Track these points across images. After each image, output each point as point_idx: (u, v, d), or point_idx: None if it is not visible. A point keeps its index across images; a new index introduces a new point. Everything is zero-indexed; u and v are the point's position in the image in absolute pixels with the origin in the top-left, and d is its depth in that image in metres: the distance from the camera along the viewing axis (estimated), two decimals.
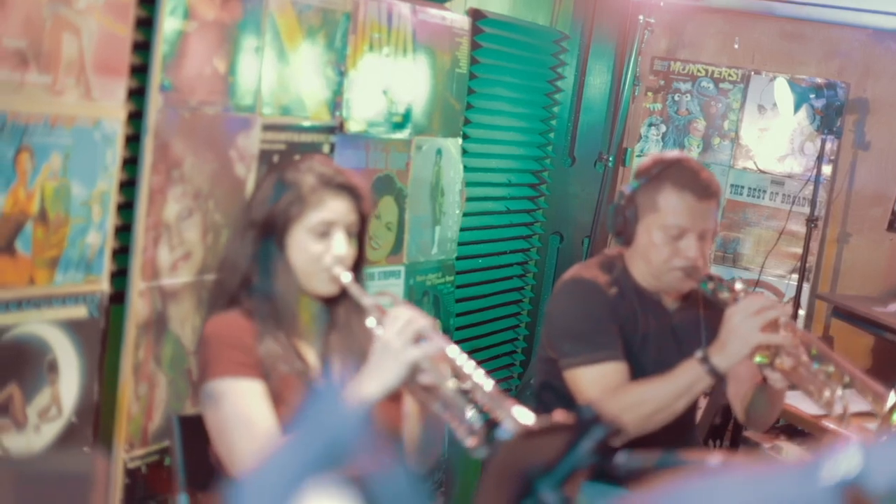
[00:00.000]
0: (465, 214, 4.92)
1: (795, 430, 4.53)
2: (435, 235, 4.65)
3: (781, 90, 5.28)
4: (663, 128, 5.77)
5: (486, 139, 5.18)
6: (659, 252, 3.38)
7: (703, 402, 4.36)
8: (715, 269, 4.14)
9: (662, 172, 3.39)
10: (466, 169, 4.85)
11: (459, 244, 4.90)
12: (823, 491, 1.13)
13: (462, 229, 4.91)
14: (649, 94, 5.83)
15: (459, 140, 4.75)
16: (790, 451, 4.44)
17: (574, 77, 5.76)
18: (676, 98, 5.78)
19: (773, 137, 5.61)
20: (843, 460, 1.14)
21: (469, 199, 4.93)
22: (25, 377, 2.95)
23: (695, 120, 5.75)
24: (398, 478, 0.96)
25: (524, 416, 2.61)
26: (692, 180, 3.37)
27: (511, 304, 5.61)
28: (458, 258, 4.90)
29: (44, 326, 2.98)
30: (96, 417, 3.19)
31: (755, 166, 5.64)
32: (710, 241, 3.45)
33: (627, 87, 5.60)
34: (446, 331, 4.74)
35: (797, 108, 5.27)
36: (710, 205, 3.39)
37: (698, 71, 5.75)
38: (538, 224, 5.73)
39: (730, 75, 5.69)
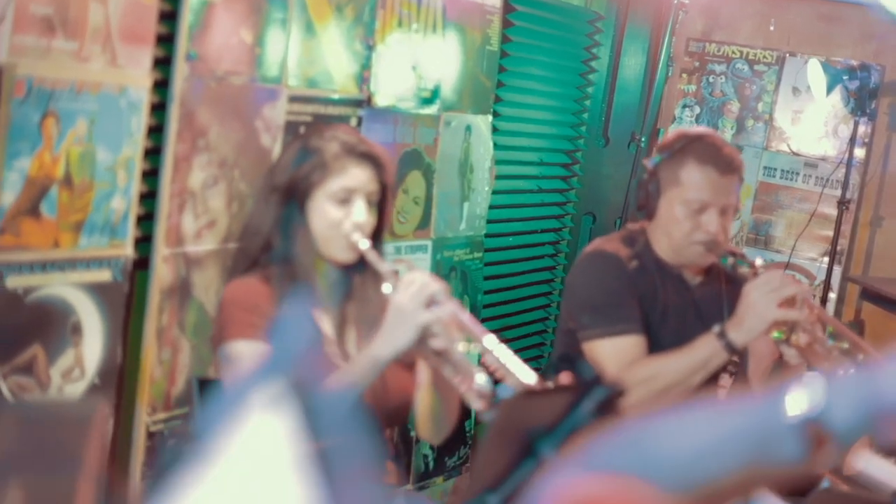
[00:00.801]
0: (495, 192, 4.94)
1: None
2: (463, 211, 4.68)
3: (815, 72, 5.28)
4: (697, 109, 5.77)
5: (518, 117, 5.21)
6: (680, 226, 3.40)
7: (728, 383, 4.37)
8: (747, 252, 4.15)
9: (685, 147, 3.42)
10: (497, 146, 4.88)
11: (489, 221, 4.93)
12: (787, 426, 1.16)
13: (492, 207, 4.94)
14: (684, 75, 5.84)
15: (490, 117, 4.78)
16: None
17: (608, 58, 5.77)
18: (711, 80, 5.78)
19: (807, 120, 5.61)
20: (806, 396, 1.16)
21: (499, 177, 4.96)
22: (49, 338, 3.00)
23: (729, 102, 5.75)
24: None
25: (527, 375, 2.65)
26: (715, 155, 3.39)
27: (542, 283, 5.64)
28: (487, 235, 4.94)
29: (68, 289, 3.03)
30: (119, 380, 3.25)
31: (788, 148, 5.64)
32: (732, 217, 3.46)
33: (662, 69, 5.61)
34: (474, 307, 4.78)
35: (830, 89, 5.26)
36: (732, 180, 3.41)
37: (733, 53, 5.75)
38: (570, 204, 5.75)
39: (764, 57, 5.69)
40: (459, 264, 4.68)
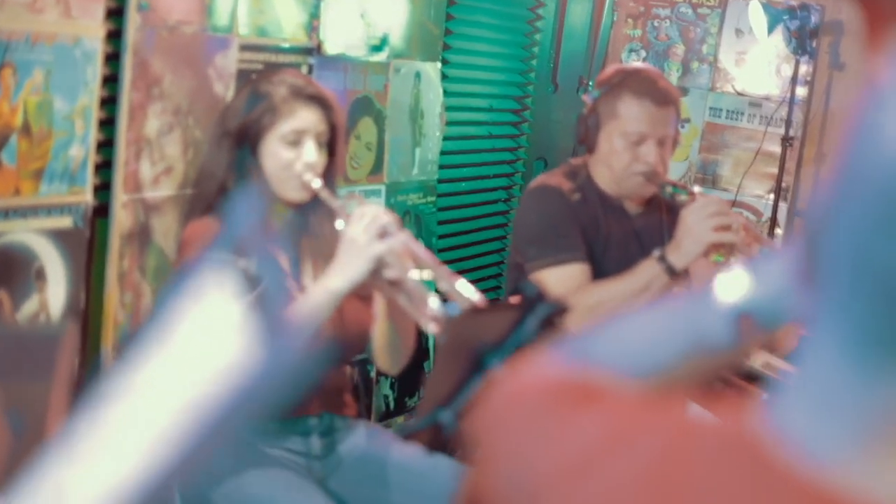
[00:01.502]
0: (446, 138, 5.05)
1: None
2: (415, 156, 4.79)
3: (755, 13, 5.39)
4: (643, 53, 5.88)
5: (467, 64, 5.31)
6: (620, 158, 3.53)
7: None
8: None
9: (623, 81, 3.54)
10: (447, 93, 4.98)
11: (442, 167, 5.04)
12: (718, 316, 1.25)
13: (444, 153, 5.04)
14: (629, 20, 5.94)
15: (439, 64, 4.88)
16: (762, 359, 4.58)
17: (555, 5, 5.87)
18: (656, 24, 5.89)
19: (750, 60, 5.73)
20: (733, 286, 1.25)
21: (450, 123, 5.06)
22: (14, 283, 3.10)
23: (674, 45, 5.87)
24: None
25: (472, 294, 2.77)
26: (651, 88, 3.51)
27: (496, 227, 5.75)
28: (440, 181, 5.04)
29: (30, 235, 3.13)
30: (84, 324, 3.34)
31: (733, 89, 5.76)
32: (671, 148, 3.59)
33: (607, 15, 5.73)
34: (429, 250, 4.88)
35: (770, 29, 5.38)
36: (669, 111, 3.53)
37: None
38: (522, 150, 5.86)
39: (708, 0, 5.80)
40: (413, 208, 4.79)
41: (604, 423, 0.96)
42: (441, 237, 5.12)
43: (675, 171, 5.35)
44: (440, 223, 5.10)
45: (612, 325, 1.34)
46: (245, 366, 1.04)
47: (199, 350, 1.05)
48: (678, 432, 0.91)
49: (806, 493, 0.78)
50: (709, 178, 5.81)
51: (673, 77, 5.80)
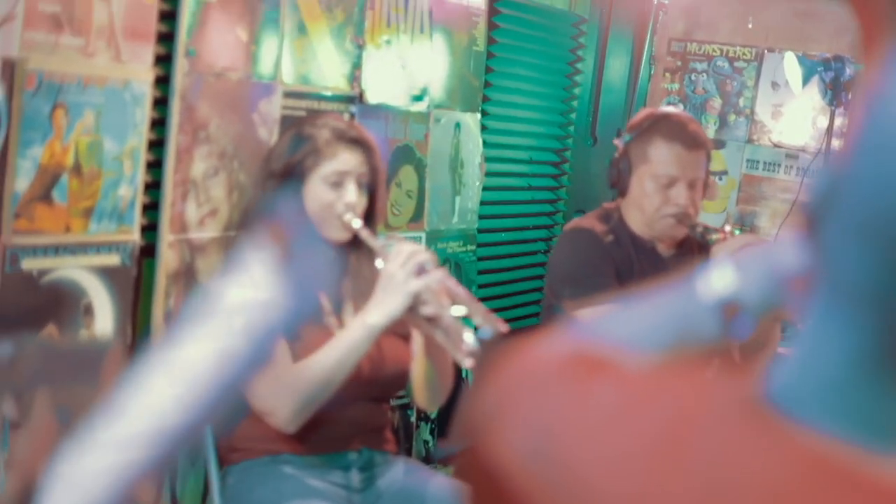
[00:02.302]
0: (486, 188, 5.14)
1: None
2: (455, 205, 4.88)
3: (791, 65, 5.48)
4: (681, 107, 5.97)
5: (507, 116, 5.41)
6: (651, 201, 3.61)
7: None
8: None
9: (653, 125, 3.63)
10: (487, 144, 5.08)
11: (482, 217, 5.12)
12: (705, 308, 1.31)
13: (484, 202, 5.13)
14: (667, 74, 6.04)
15: (478, 115, 4.98)
16: None
17: (593, 59, 5.96)
18: (693, 77, 5.98)
19: (786, 113, 5.81)
20: (717, 278, 1.31)
21: (490, 174, 5.15)
22: (63, 318, 3.19)
23: (711, 98, 5.95)
24: None
25: (503, 324, 2.85)
26: (680, 132, 3.60)
27: (535, 278, 5.81)
28: (481, 231, 5.13)
29: (80, 272, 3.22)
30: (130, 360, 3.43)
31: (770, 141, 5.83)
32: (701, 190, 3.66)
33: (644, 69, 5.82)
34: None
35: (806, 82, 5.46)
36: (699, 155, 3.61)
37: (713, 51, 5.95)
38: (561, 202, 5.94)
39: (744, 54, 5.89)
40: (453, 256, 4.87)
41: (618, 388, 1.01)
42: (481, 286, 5.19)
43: (713, 222, 5.41)
44: (480, 273, 5.17)
45: (605, 318, 1.39)
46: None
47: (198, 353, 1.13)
48: (691, 396, 0.95)
49: (808, 456, 0.80)
50: (746, 229, 5.86)
51: (710, 130, 5.88)
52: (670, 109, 3.85)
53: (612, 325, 1.35)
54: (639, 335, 1.30)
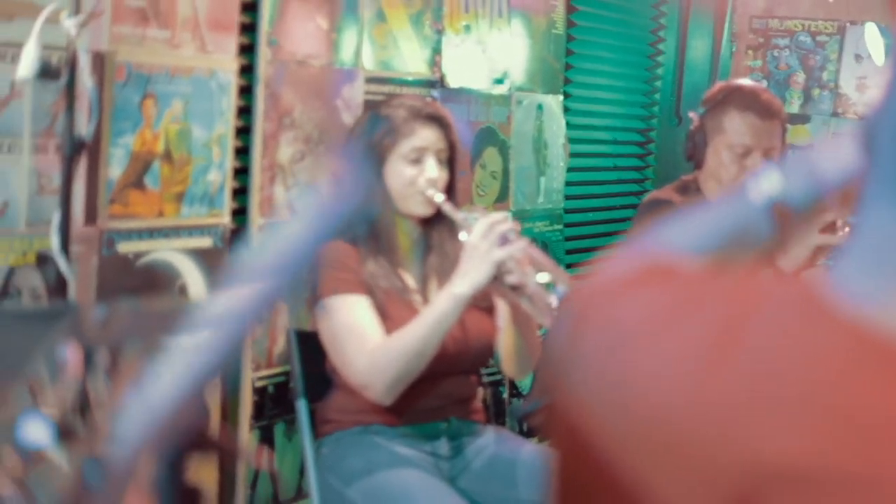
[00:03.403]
0: (573, 169, 5.22)
1: None
2: (540, 185, 4.96)
3: (872, 36, 5.49)
4: (764, 83, 5.99)
5: (589, 98, 5.49)
6: (727, 170, 3.68)
7: None
8: None
9: (727, 97, 3.70)
10: (570, 126, 5.16)
11: (569, 197, 5.21)
12: (756, 209, 1.38)
13: (570, 183, 5.21)
14: (749, 51, 6.07)
15: (560, 97, 5.06)
16: None
17: (675, 39, 6.02)
18: (775, 54, 6.01)
19: (871, 84, 5.81)
20: (765, 181, 1.38)
21: (576, 155, 5.24)
22: (159, 299, 3.33)
23: (794, 73, 5.98)
24: None
25: None
26: (754, 101, 3.67)
27: None
28: (568, 210, 5.21)
29: (173, 254, 3.36)
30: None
31: (855, 114, 5.84)
32: (777, 160, 3.72)
33: (726, 47, 5.87)
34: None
35: (888, 53, 5.46)
36: (773, 124, 3.67)
37: (795, 26, 5.97)
38: (648, 181, 6.00)
39: (826, 28, 5.90)
40: (540, 235, 4.96)
41: (676, 292, 1.08)
42: (569, 266, 5.27)
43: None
44: (568, 252, 5.25)
45: (666, 227, 1.46)
46: None
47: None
48: (746, 293, 0.99)
49: (867, 343, 0.84)
50: None
51: (794, 105, 5.90)
52: (743, 81, 3.92)
53: (672, 232, 1.43)
54: (696, 239, 1.37)
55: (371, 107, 3.58)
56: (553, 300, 3.01)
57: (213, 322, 1.25)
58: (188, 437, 1.28)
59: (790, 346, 0.90)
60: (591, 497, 1.04)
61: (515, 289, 3.14)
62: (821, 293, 0.91)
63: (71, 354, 1.77)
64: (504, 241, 3.13)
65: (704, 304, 0.99)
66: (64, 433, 1.42)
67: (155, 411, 1.23)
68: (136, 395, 1.31)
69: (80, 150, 2.71)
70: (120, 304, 1.85)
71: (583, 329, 1.12)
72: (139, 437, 1.24)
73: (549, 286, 3.10)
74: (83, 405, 1.75)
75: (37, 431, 1.39)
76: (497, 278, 3.13)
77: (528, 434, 4.86)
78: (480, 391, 3.63)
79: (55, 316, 2.01)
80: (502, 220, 3.18)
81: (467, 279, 3.13)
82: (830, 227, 3.42)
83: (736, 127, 3.67)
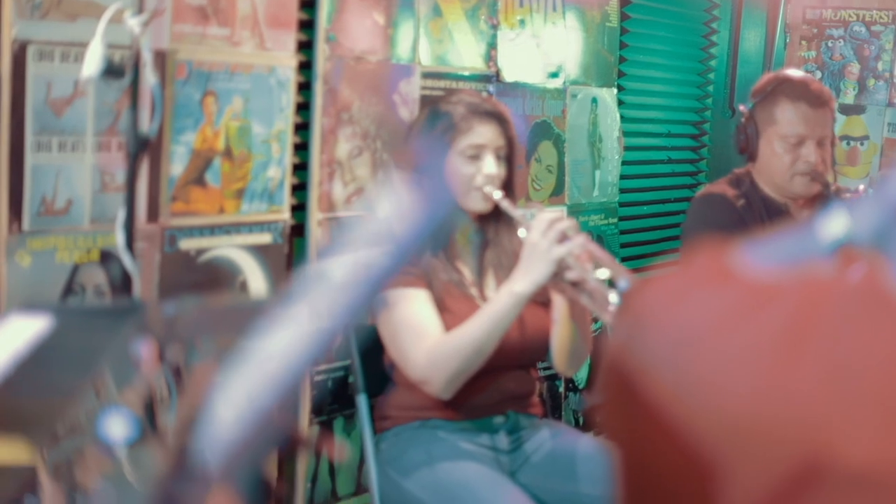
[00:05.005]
0: (627, 162, 5.21)
1: None
2: (595, 179, 4.96)
3: None
4: (819, 74, 5.96)
5: (643, 91, 5.48)
6: (781, 161, 3.67)
7: None
8: None
9: (776, 88, 3.70)
10: (624, 119, 5.15)
11: (624, 190, 5.20)
12: (823, 250, 1.36)
13: (624, 176, 5.20)
14: (803, 42, 6.04)
15: (615, 90, 5.06)
16: None
17: (729, 31, 6.00)
18: (830, 44, 5.98)
19: None
20: (833, 223, 1.36)
21: (629, 148, 5.23)
22: (220, 295, 3.36)
23: (849, 64, 5.94)
24: None
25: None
26: (804, 91, 3.67)
27: (679, 250, 5.86)
28: (622, 203, 5.20)
29: (234, 250, 3.39)
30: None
31: None
32: (829, 148, 3.71)
33: (779, 38, 5.84)
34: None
35: None
36: (825, 112, 3.67)
37: (849, 16, 5.94)
38: (702, 174, 5.98)
39: (881, 17, 5.87)
40: (595, 229, 4.96)
41: (740, 286, 1.08)
42: (624, 259, 5.26)
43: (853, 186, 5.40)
44: (623, 245, 5.24)
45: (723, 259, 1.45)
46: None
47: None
48: (813, 288, 1.00)
49: None
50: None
51: (850, 95, 5.87)
52: (791, 71, 3.91)
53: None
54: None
55: (429, 102, 3.59)
56: (613, 296, 3.02)
57: (294, 333, 1.26)
58: (275, 438, 1.30)
59: (861, 341, 0.90)
60: (663, 482, 1.05)
61: (575, 285, 3.15)
62: (885, 285, 0.92)
63: (145, 351, 1.78)
64: (563, 237, 3.14)
65: (772, 299, 0.99)
66: (146, 429, 1.43)
67: (244, 414, 1.24)
68: (221, 397, 1.32)
69: (144, 148, 2.73)
70: (188, 301, 1.87)
71: (651, 326, 1.12)
72: (227, 439, 1.25)
73: (608, 282, 3.11)
74: (160, 402, 1.77)
75: (120, 427, 1.40)
76: (557, 275, 3.14)
77: (584, 428, 4.86)
78: (538, 385, 3.64)
79: (124, 313, 2.02)
80: (561, 218, 3.18)
81: (528, 277, 3.13)
82: None
83: (788, 117, 3.67)
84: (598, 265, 3.13)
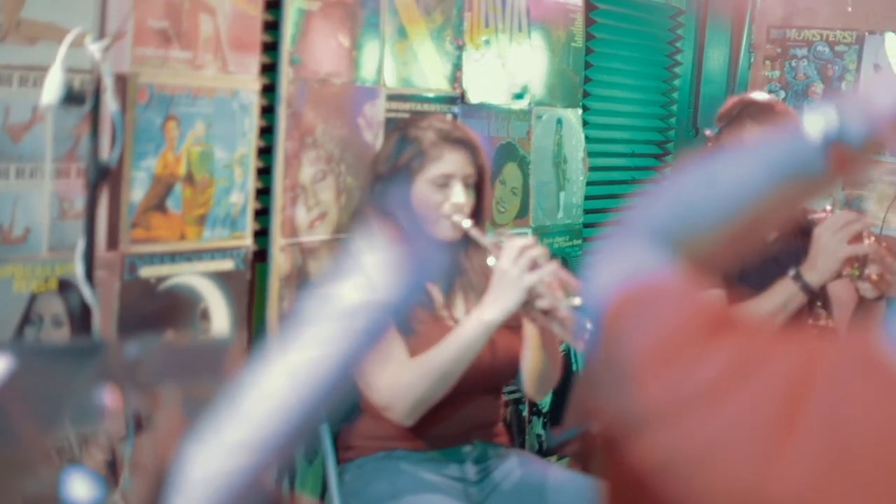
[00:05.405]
0: (591, 183, 5.17)
1: None
2: (560, 201, 4.91)
3: (892, 46, 5.44)
4: (782, 94, 5.95)
5: (608, 111, 5.44)
6: None
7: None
8: None
9: (741, 112, 3.66)
10: (589, 139, 5.11)
11: (587, 211, 5.15)
12: (812, 146, 1.33)
13: (589, 197, 5.16)
14: (767, 62, 6.02)
15: (579, 111, 5.01)
16: None
17: (692, 50, 5.96)
18: (794, 64, 5.96)
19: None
20: (822, 118, 1.33)
21: (594, 169, 5.18)
22: (181, 323, 3.29)
23: (813, 84, 5.93)
24: None
25: None
26: (770, 114, 3.62)
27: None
28: (587, 225, 5.16)
29: (196, 278, 3.32)
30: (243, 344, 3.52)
31: None
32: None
33: (744, 58, 5.82)
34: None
35: None
36: None
37: (813, 36, 5.92)
38: None
39: (844, 38, 5.86)
40: (560, 251, 4.91)
41: (737, 349, 1.03)
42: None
43: (819, 207, 5.38)
44: (587, 267, 5.19)
45: (712, 164, 1.41)
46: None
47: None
48: (807, 353, 0.98)
49: None
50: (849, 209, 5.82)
51: None
52: (755, 94, 3.87)
53: (722, 167, 1.38)
54: (749, 174, 1.34)
55: (398, 127, 3.53)
56: (587, 325, 2.96)
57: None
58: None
59: (856, 415, 0.87)
60: None
61: (546, 313, 3.10)
62: (879, 352, 0.90)
63: (109, 401, 1.71)
64: (534, 265, 3.09)
65: (764, 364, 0.97)
66: (111, 488, 1.36)
67: (220, 479, 1.18)
68: (195, 456, 1.25)
69: (104, 177, 2.67)
70: (150, 340, 1.80)
71: (641, 382, 1.08)
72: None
73: (579, 309, 3.06)
74: (123, 458, 1.69)
75: (84, 488, 1.34)
76: (528, 303, 3.09)
77: (545, 454, 4.82)
78: (503, 412, 3.59)
79: (83, 353, 1.95)
80: (532, 245, 3.13)
81: (498, 305, 3.08)
82: (857, 238, 3.39)
83: (755, 141, 3.62)
84: (569, 292, 3.09)
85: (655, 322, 1.13)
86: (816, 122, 1.30)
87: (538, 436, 4.83)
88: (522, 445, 4.70)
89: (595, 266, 1.32)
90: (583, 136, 5.04)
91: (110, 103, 2.67)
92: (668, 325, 1.11)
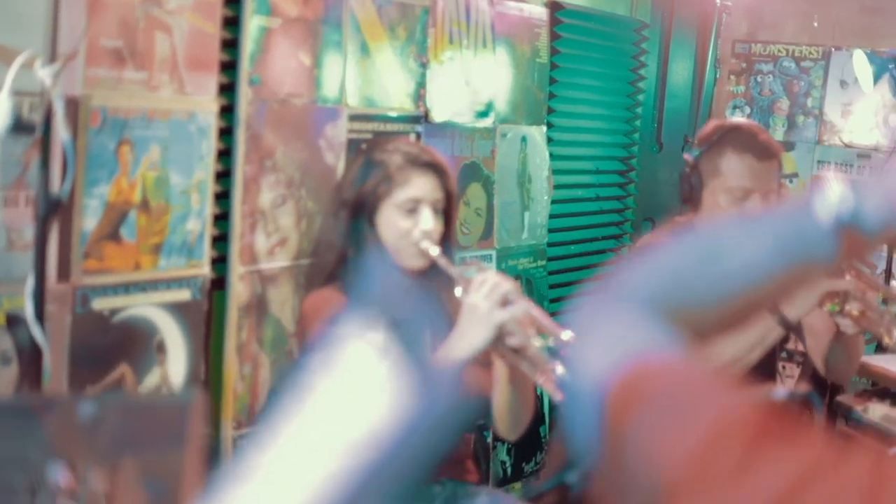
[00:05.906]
0: (554, 201, 5.05)
1: (887, 392, 4.61)
2: (524, 221, 4.79)
3: (860, 63, 5.36)
4: (748, 109, 5.86)
5: (572, 127, 5.32)
6: (725, 214, 3.51)
7: (793, 371, 4.46)
8: None
9: (722, 138, 3.54)
10: (553, 157, 4.99)
11: (551, 231, 5.04)
12: (822, 229, 1.23)
13: (553, 216, 5.04)
14: (732, 77, 5.93)
15: (544, 128, 4.89)
16: (881, 411, 4.51)
17: (656, 64, 5.87)
18: (759, 79, 5.87)
19: (856, 112, 5.68)
20: (835, 199, 1.22)
21: (557, 186, 5.06)
22: (136, 357, 3.13)
23: (778, 100, 5.84)
24: None
25: None
26: (752, 142, 3.50)
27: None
28: (550, 244, 5.04)
29: (151, 309, 3.17)
30: (204, 396, 3.37)
31: (840, 141, 5.71)
32: (775, 202, 3.56)
33: (709, 72, 5.72)
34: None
35: (877, 79, 5.35)
36: (772, 165, 3.51)
37: (779, 51, 5.84)
38: (629, 210, 5.85)
39: (810, 53, 5.77)
40: (524, 272, 4.79)
41: (792, 464, 0.96)
42: (552, 301, 5.10)
43: None
44: (551, 287, 5.08)
45: (713, 235, 1.32)
46: (398, 420, 1.06)
47: (347, 412, 1.08)
48: (813, 458, 0.93)
49: None
50: None
51: (779, 132, 5.76)
52: (739, 120, 3.76)
53: (725, 241, 1.29)
54: (754, 254, 1.25)
55: (364, 150, 3.40)
56: (557, 365, 2.84)
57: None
58: None
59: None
60: None
61: (516, 351, 2.97)
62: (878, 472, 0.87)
63: (63, 479, 1.58)
64: (506, 301, 2.96)
65: (769, 458, 0.93)
66: None
67: None
68: None
69: (54, 210, 2.51)
70: (108, 398, 1.65)
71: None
72: None
73: (550, 349, 2.93)
74: None
75: None
76: (498, 340, 2.95)
77: (510, 481, 4.70)
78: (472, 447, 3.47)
79: (35, 412, 1.81)
80: (504, 280, 3.00)
81: (466, 341, 2.95)
82: (838, 273, 3.28)
83: (734, 169, 3.50)
84: (540, 331, 2.96)
85: (679, 425, 1.04)
86: (830, 204, 1.20)
87: (502, 462, 4.71)
88: (487, 473, 4.58)
89: (580, 330, 1.21)
90: (547, 154, 4.92)
91: (61, 133, 2.51)
92: (696, 430, 1.02)
